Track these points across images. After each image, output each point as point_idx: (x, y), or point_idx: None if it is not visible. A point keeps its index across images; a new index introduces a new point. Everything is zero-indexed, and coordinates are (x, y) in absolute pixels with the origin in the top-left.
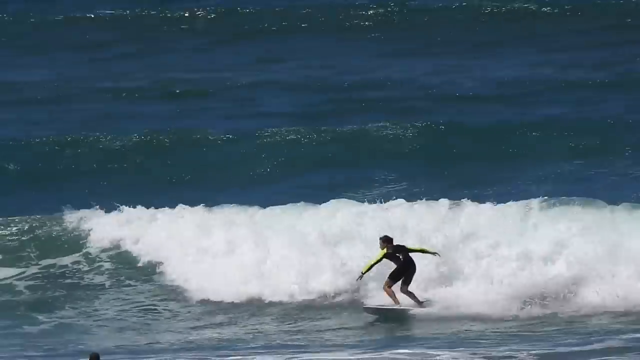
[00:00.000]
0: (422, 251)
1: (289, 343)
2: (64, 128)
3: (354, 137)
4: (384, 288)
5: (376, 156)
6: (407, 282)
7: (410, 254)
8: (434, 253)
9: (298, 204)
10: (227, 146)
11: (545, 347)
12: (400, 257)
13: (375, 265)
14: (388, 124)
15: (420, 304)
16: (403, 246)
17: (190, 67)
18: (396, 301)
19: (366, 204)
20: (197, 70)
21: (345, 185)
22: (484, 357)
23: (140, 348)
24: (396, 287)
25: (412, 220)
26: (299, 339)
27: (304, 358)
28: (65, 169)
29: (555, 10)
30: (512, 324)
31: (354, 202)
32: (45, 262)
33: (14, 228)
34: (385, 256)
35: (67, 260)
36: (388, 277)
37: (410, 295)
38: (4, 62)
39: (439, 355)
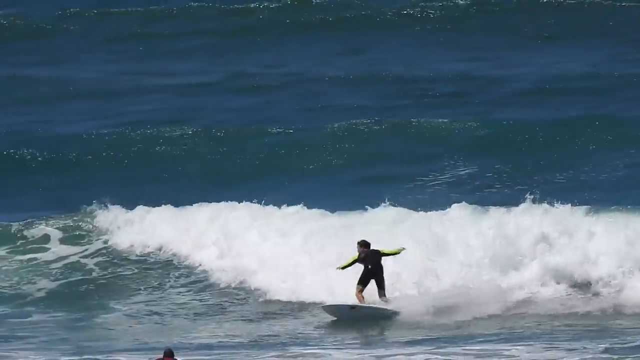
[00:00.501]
0: (396, 253)
1: (358, 340)
2: (129, 122)
3: (422, 131)
4: (356, 295)
5: (442, 150)
6: (380, 286)
7: (382, 259)
8: (402, 249)
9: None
10: (296, 140)
11: (619, 342)
12: (369, 265)
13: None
14: (457, 119)
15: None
16: (378, 251)
17: (261, 61)
18: (361, 300)
19: (421, 213)
20: (268, 64)
21: (412, 180)
22: (560, 350)
23: (212, 343)
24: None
25: (472, 223)
26: (368, 335)
27: (377, 354)
28: (128, 163)
29: (623, 4)
30: (584, 317)
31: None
32: (104, 258)
33: (85, 219)
34: (356, 260)
35: (124, 253)
36: (357, 283)
37: (387, 302)
38: (71, 56)
39: (511, 349)
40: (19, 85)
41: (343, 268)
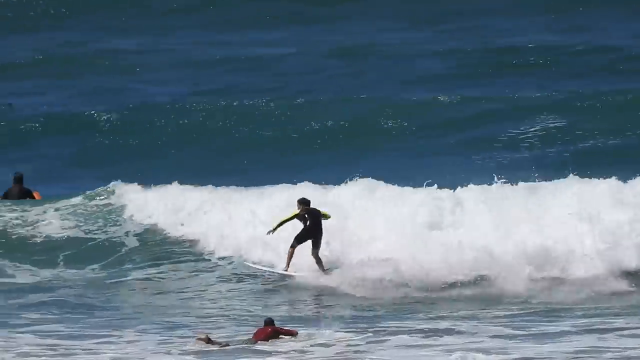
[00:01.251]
0: (329, 217)
1: (454, 314)
2: (209, 90)
3: (505, 102)
4: (288, 250)
5: (530, 121)
6: (316, 245)
7: (322, 221)
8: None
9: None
10: (377, 109)
11: None
12: (308, 221)
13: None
14: (547, 89)
15: (324, 271)
16: (318, 211)
17: (342, 29)
18: (287, 266)
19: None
20: (349, 32)
21: (495, 153)
22: None
23: (308, 317)
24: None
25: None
26: (463, 309)
27: (473, 330)
28: (208, 135)
29: None
30: None
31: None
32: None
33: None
34: (296, 216)
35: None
36: (294, 239)
37: (318, 261)
38: (155, 25)
39: (615, 321)
40: (103, 55)
41: (279, 225)
